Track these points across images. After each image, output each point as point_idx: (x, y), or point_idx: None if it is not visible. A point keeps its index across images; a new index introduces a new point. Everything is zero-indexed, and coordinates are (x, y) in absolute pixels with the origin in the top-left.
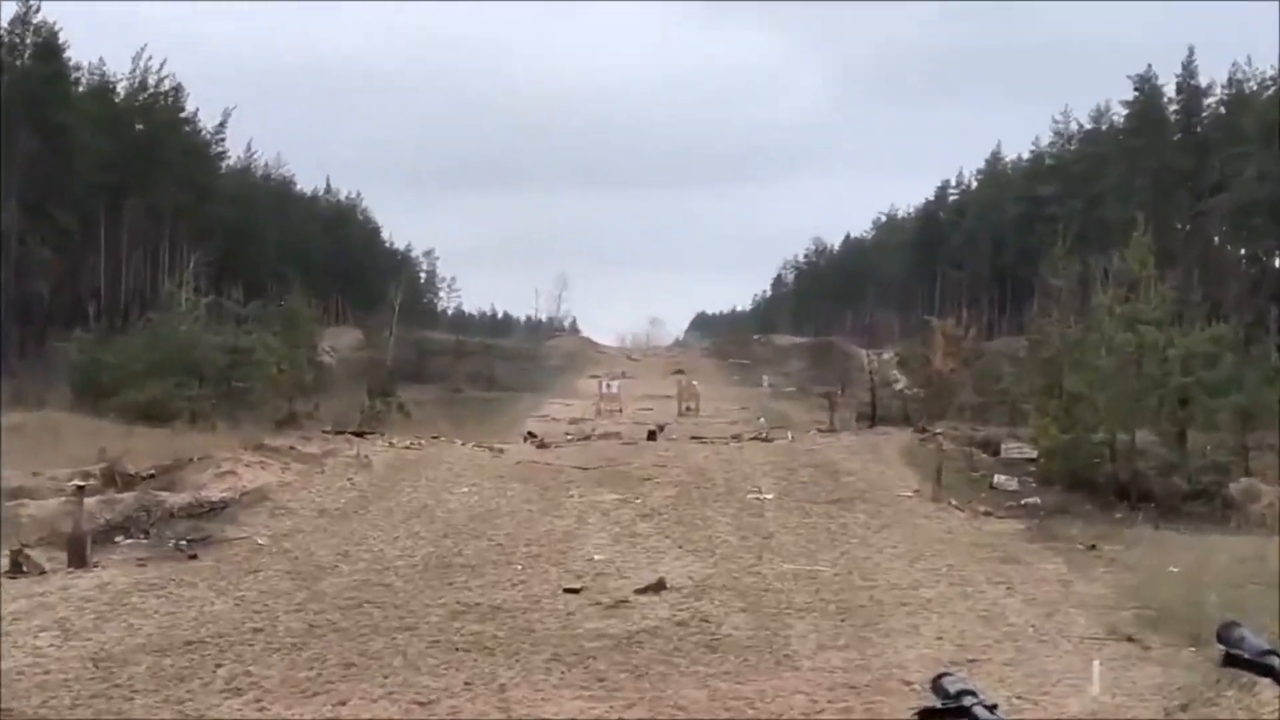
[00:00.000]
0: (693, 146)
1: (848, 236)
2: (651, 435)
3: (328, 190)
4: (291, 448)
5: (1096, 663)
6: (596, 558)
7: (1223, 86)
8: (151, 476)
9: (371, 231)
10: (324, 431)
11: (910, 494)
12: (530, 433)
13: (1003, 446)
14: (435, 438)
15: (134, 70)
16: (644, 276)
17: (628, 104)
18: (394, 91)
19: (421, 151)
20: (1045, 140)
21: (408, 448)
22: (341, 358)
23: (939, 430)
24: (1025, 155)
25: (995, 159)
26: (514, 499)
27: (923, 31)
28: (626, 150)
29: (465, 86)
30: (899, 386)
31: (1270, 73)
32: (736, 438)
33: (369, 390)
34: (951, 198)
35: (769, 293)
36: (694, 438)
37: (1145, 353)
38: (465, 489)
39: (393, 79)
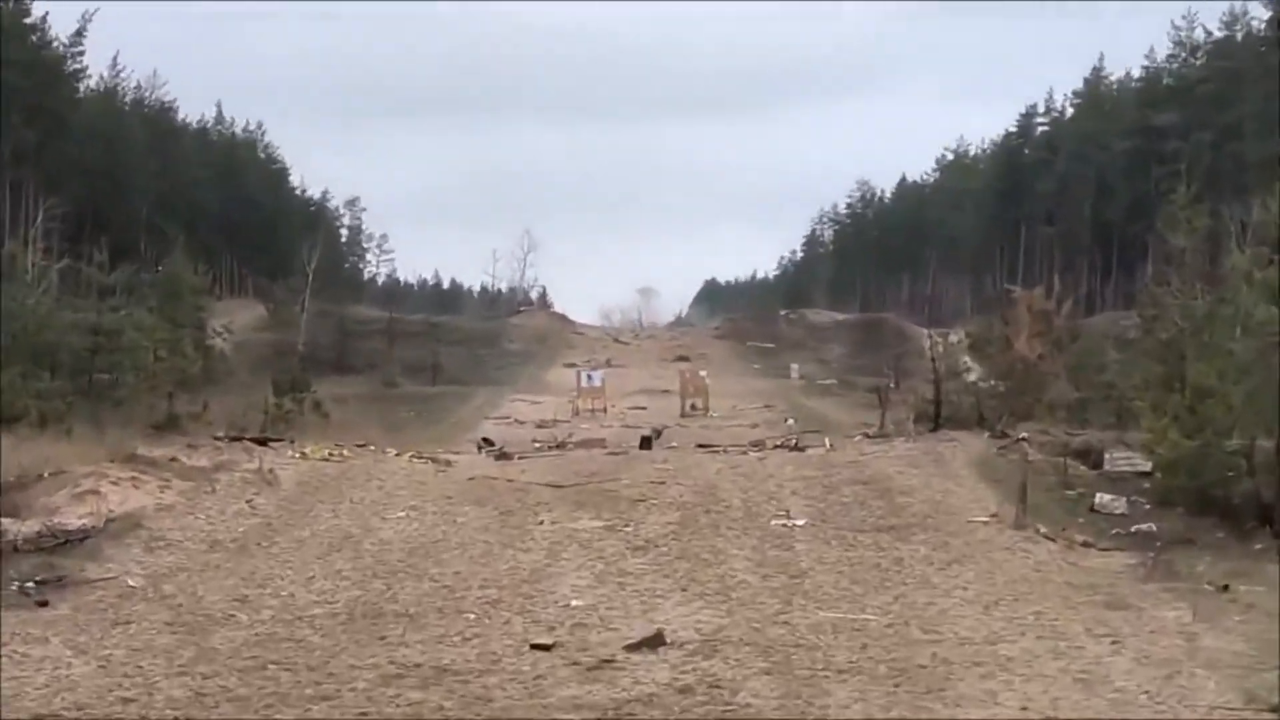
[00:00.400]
0: (699, 66)
1: (903, 180)
2: (646, 442)
3: (219, 120)
4: (173, 459)
5: None
6: (574, 604)
7: None
8: None
9: (277, 174)
10: (216, 438)
11: (986, 519)
12: (487, 439)
13: (1107, 457)
14: (363, 446)
15: None
16: (636, 235)
17: (614, 8)
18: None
19: (343, 70)
20: (1162, 53)
21: (326, 459)
22: (239, 340)
23: (1023, 435)
24: (1136, 73)
25: (1096, 77)
26: (466, 527)
27: None
28: (613, 71)
29: None
30: (971, 378)
31: None
32: (758, 445)
33: (275, 384)
34: (1039, 129)
35: (800, 255)
36: (702, 445)
37: None
38: (402, 514)
39: None
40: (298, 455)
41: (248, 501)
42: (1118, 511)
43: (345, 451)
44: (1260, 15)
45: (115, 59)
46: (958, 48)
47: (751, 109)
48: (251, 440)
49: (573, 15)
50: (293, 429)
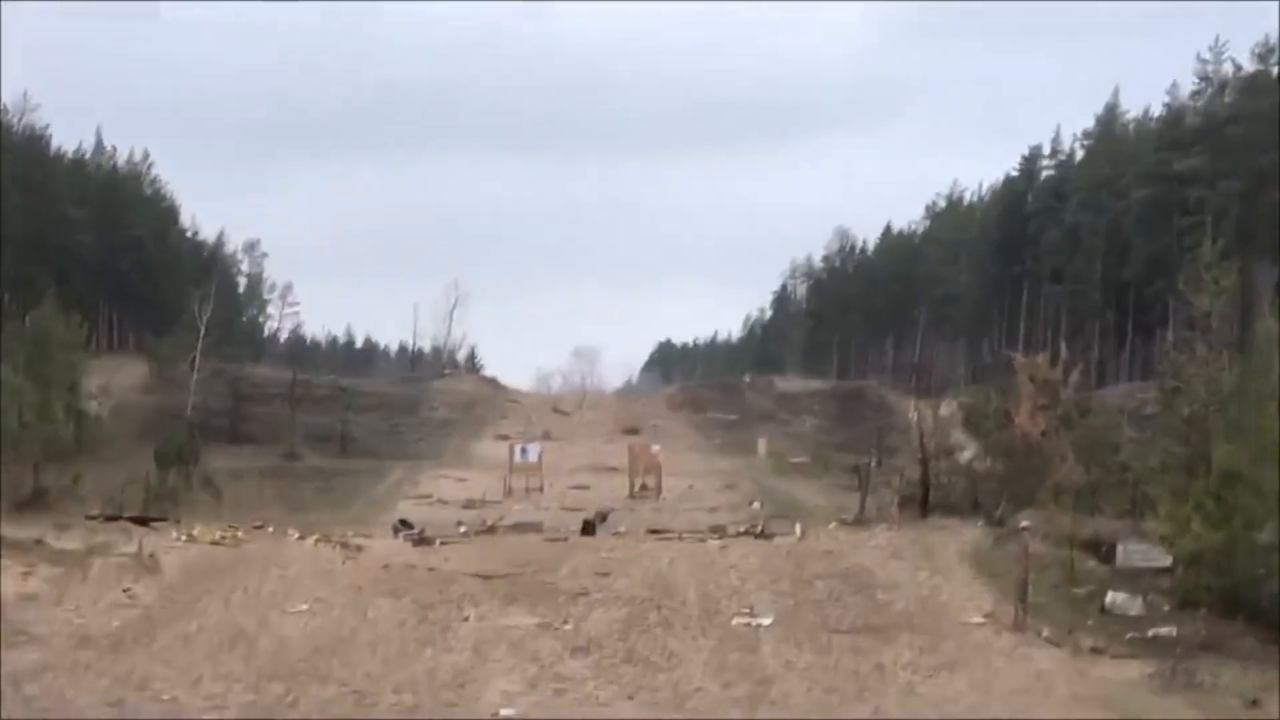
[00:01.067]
0: (657, 97)
1: (888, 229)
2: (589, 527)
3: (98, 150)
4: (39, 541)
5: None
6: (504, 713)
7: None
8: None
9: (164, 213)
10: (89, 517)
11: (981, 619)
12: (405, 522)
13: (1120, 549)
14: (260, 528)
15: None
16: (581, 289)
17: (558, 32)
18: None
19: (243, 95)
20: (1186, 89)
21: (217, 543)
22: (118, 404)
23: (1024, 524)
24: (1156, 110)
25: (1111, 115)
26: (379, 623)
27: None
28: (558, 102)
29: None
30: (965, 456)
31: None
32: (718, 531)
33: (159, 455)
34: (1045, 173)
35: (769, 314)
36: (654, 531)
37: None
38: (305, 606)
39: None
40: (184, 537)
41: (125, 590)
42: (1132, 613)
43: (239, 534)
44: None
45: None
46: (953, 82)
47: (716, 147)
48: (130, 520)
49: (510, 38)
50: (179, 507)
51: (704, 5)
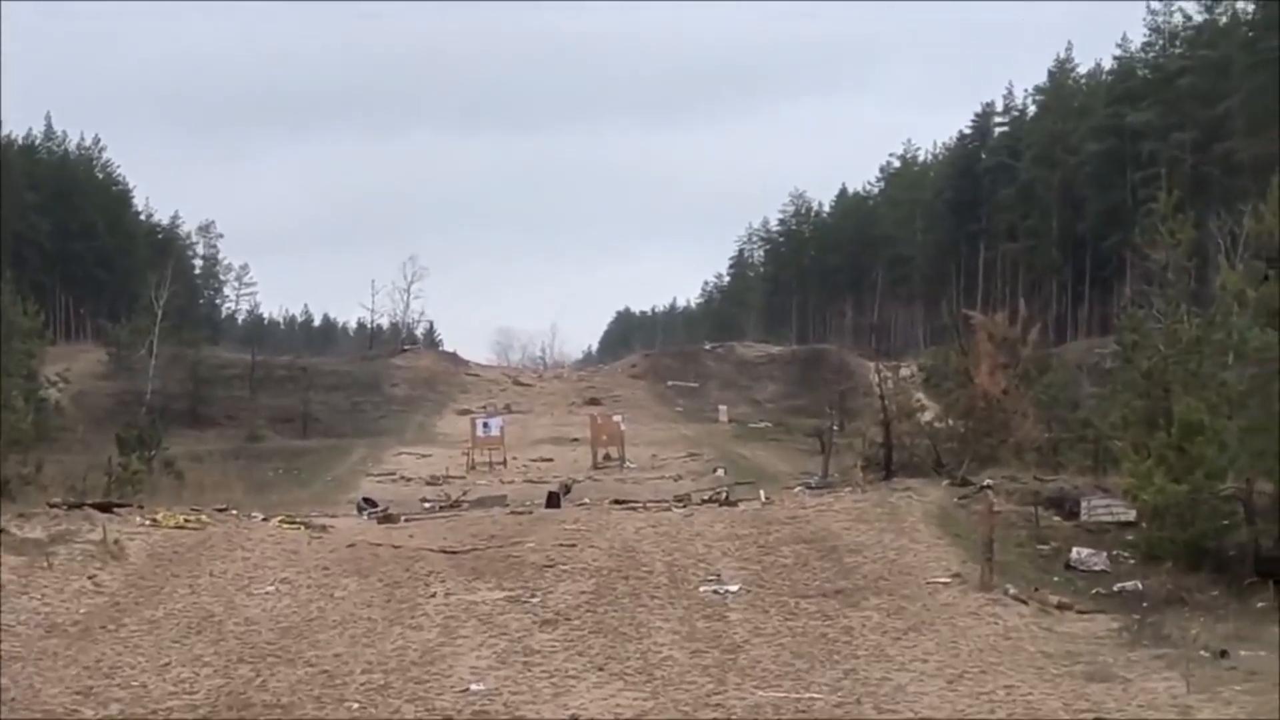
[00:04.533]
0: (608, 66)
1: (843, 191)
2: (553, 499)
3: (49, 136)
4: (1, 531)
5: None
6: (474, 688)
7: None
8: None
9: (118, 198)
10: (52, 505)
11: (947, 579)
12: (369, 500)
13: (1084, 505)
14: (224, 510)
15: None
16: (536, 259)
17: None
18: None
19: (193, 75)
20: (1137, 40)
21: (182, 526)
22: (77, 391)
23: (988, 483)
24: (1107, 64)
25: (1062, 70)
26: (346, 602)
27: None
28: (510, 67)
29: None
30: (926, 417)
31: None
32: (683, 500)
33: (120, 440)
34: (999, 129)
35: (727, 280)
36: (618, 501)
37: None
38: (271, 588)
39: None
40: (148, 522)
41: (90, 578)
42: (1097, 568)
43: (204, 517)
44: None
45: None
46: (909, 43)
47: (669, 114)
48: (94, 506)
49: (466, 11)
50: (142, 492)
51: None
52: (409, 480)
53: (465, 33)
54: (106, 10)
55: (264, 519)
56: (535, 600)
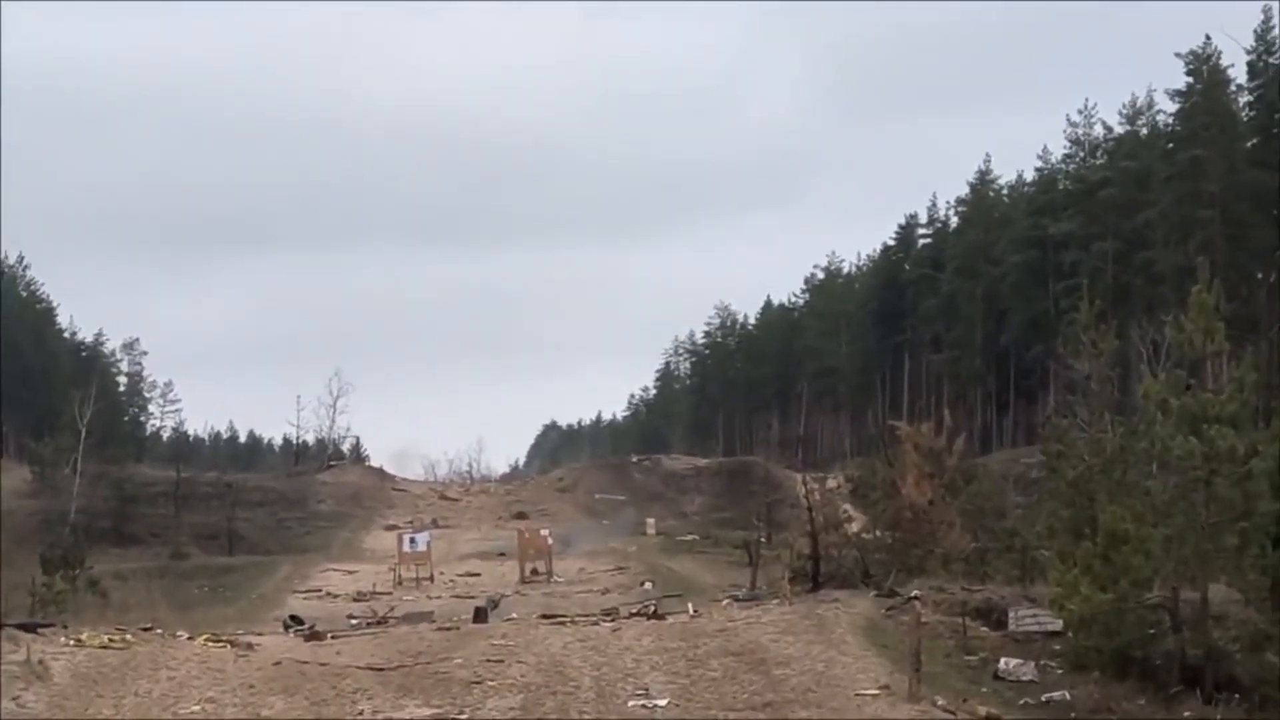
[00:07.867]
0: (536, 184)
1: (768, 304)
2: (481, 614)
3: None
4: None
5: None
6: None
7: None
8: None
9: (41, 315)
10: None
11: (876, 691)
12: (295, 617)
13: (1011, 615)
14: (149, 629)
15: None
16: (464, 376)
17: (436, 118)
18: (77, 101)
19: (119, 192)
20: (1058, 152)
21: (106, 646)
22: (1, 510)
23: (915, 594)
24: (1029, 174)
25: (984, 180)
26: None
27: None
28: (440, 194)
29: (182, 96)
30: (854, 528)
31: None
32: (611, 614)
33: (44, 560)
34: (922, 241)
35: (653, 393)
36: (546, 616)
37: (1218, 466)
38: (196, 707)
39: (76, 84)
40: (72, 642)
41: (14, 699)
42: (1025, 678)
43: (128, 636)
44: (1167, 106)
45: None
46: (833, 160)
47: (596, 233)
48: (16, 626)
49: (393, 133)
50: (66, 612)
51: (585, 100)
52: (335, 597)
53: (397, 155)
54: (35, 133)
55: (189, 638)
56: (463, 717)
